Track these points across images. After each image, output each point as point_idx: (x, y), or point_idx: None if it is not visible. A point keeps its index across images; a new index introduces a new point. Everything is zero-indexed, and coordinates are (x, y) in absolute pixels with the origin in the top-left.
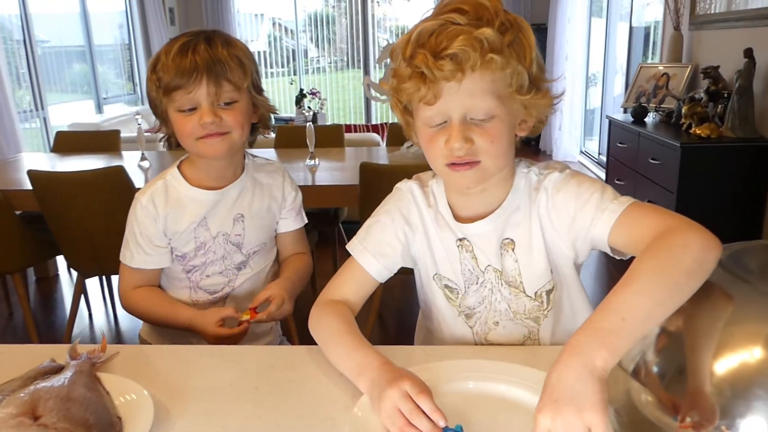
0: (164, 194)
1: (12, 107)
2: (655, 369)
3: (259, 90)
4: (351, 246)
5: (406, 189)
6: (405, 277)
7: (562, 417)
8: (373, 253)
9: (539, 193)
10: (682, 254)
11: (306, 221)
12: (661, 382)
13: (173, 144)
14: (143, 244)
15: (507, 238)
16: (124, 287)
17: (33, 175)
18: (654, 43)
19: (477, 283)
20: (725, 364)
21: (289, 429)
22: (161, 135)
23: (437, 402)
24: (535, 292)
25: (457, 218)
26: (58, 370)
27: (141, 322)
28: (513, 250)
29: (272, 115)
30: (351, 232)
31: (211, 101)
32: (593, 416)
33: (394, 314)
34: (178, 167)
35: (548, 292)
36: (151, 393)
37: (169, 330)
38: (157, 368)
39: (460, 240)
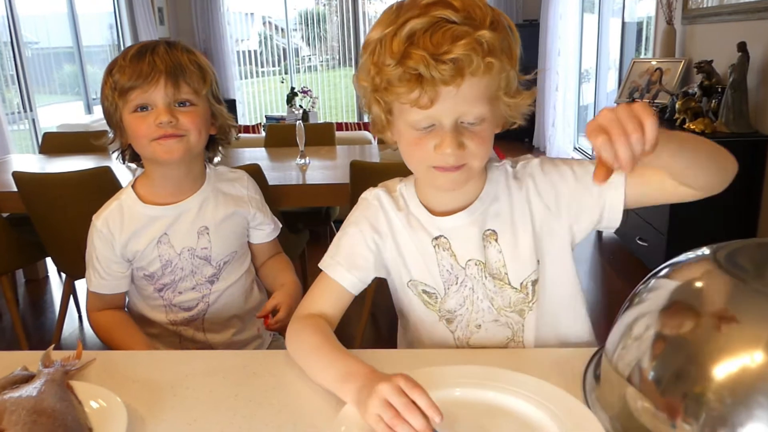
0: (119, 216)
1: (0, 109)
2: (651, 375)
3: (218, 100)
4: (323, 264)
5: (371, 197)
6: None
7: (615, 112)
8: (346, 266)
9: (524, 180)
10: (710, 144)
11: (280, 226)
12: (658, 387)
13: (128, 157)
14: (98, 268)
15: (489, 230)
16: (88, 307)
17: (18, 176)
18: (647, 38)
19: (457, 283)
20: (723, 369)
21: None
22: (114, 149)
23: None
24: (521, 283)
25: (433, 214)
26: (29, 378)
27: None
28: (496, 240)
29: (233, 134)
30: None
31: (168, 102)
32: (643, 111)
33: (386, 313)
34: (134, 186)
35: (533, 283)
36: (127, 401)
37: (162, 339)
38: (135, 375)
39: (436, 239)
